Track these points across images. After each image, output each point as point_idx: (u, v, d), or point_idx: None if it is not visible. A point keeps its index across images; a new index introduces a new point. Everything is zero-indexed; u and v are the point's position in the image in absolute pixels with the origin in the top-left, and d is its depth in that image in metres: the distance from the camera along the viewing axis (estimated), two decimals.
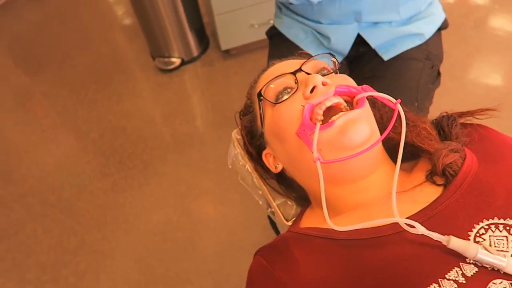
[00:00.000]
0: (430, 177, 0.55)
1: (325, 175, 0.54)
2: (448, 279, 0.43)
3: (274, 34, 1.16)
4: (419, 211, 0.50)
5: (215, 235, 1.63)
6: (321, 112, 0.56)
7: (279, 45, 1.10)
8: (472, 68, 2.00)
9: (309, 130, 0.54)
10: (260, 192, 0.85)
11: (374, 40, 1.03)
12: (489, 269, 0.43)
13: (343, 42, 1.04)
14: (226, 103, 2.06)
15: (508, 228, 0.46)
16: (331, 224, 0.51)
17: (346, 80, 0.61)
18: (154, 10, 2.00)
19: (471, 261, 0.44)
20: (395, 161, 0.62)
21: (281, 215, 0.78)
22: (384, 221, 0.48)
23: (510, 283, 0.42)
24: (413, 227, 0.45)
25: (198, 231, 1.66)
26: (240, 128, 0.76)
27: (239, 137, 0.88)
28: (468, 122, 0.62)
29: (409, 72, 0.99)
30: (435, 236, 0.44)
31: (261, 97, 0.63)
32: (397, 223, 0.48)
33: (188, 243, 1.62)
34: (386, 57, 1.02)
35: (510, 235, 0.45)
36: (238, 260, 1.54)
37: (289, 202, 0.78)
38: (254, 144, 0.71)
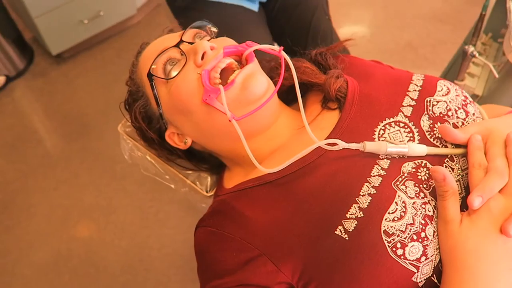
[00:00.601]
0: (325, 105, 0.63)
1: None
2: (373, 176, 0.52)
3: (191, 5, 1.06)
4: (329, 134, 0.58)
5: (115, 247, 1.52)
6: (218, 75, 0.58)
7: (204, 12, 1.03)
8: None
9: (215, 94, 0.56)
10: (167, 177, 0.83)
11: None
12: (397, 157, 0.54)
13: None
14: (78, 109, 1.87)
15: (398, 123, 0.57)
16: (263, 169, 0.55)
17: (229, 41, 0.63)
18: None
19: (383, 157, 0.54)
20: (288, 103, 0.69)
21: (199, 189, 0.78)
22: (308, 150, 0.54)
23: (414, 162, 0.53)
24: (335, 144, 0.52)
25: (95, 250, 1.52)
26: (130, 119, 0.73)
27: (128, 129, 0.83)
28: (335, 55, 0.72)
29: None
30: (354, 145, 0.52)
31: (153, 77, 0.61)
32: (318, 149, 0.54)
33: (89, 266, 1.49)
34: None
35: (400, 128, 0.56)
36: (149, 262, 1.48)
37: (202, 175, 0.79)
38: (154, 128, 0.69)
